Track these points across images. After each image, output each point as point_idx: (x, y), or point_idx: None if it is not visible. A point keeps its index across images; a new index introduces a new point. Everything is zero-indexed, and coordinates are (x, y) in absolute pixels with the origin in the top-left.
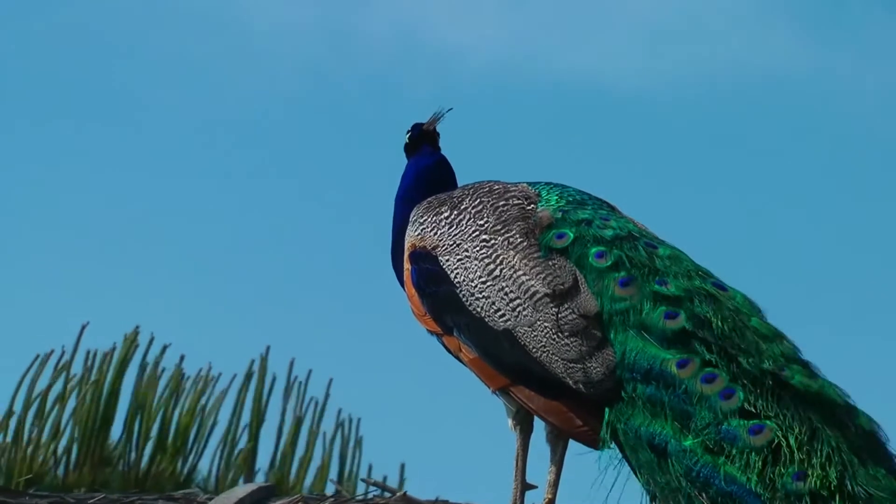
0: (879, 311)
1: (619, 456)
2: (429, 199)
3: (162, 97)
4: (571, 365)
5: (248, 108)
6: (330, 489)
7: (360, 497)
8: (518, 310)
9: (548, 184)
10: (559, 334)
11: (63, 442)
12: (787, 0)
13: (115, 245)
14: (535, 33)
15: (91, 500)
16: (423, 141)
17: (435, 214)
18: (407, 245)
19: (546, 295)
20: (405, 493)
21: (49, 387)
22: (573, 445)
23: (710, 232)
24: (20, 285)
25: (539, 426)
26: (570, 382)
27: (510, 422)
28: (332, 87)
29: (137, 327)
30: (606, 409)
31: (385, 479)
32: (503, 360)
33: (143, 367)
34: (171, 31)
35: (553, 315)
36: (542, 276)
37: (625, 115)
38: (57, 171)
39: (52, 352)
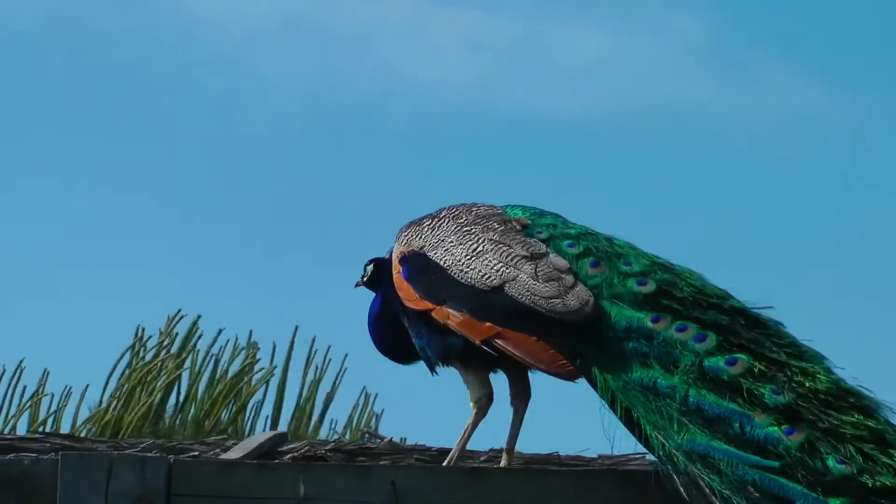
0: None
1: (601, 400)
2: (409, 221)
3: (198, 120)
4: (551, 301)
5: (255, 136)
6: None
7: (357, 444)
8: (501, 270)
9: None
10: (537, 281)
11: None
12: (691, 44)
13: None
14: (493, 72)
15: (141, 444)
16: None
17: (417, 226)
18: (395, 255)
19: (524, 257)
20: (390, 440)
21: (129, 363)
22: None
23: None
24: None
25: (497, 404)
26: (555, 316)
27: (471, 403)
28: (326, 118)
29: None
30: (595, 369)
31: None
32: (494, 314)
33: (188, 342)
34: (195, 68)
35: (532, 268)
36: (520, 244)
37: (565, 140)
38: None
39: (140, 331)
